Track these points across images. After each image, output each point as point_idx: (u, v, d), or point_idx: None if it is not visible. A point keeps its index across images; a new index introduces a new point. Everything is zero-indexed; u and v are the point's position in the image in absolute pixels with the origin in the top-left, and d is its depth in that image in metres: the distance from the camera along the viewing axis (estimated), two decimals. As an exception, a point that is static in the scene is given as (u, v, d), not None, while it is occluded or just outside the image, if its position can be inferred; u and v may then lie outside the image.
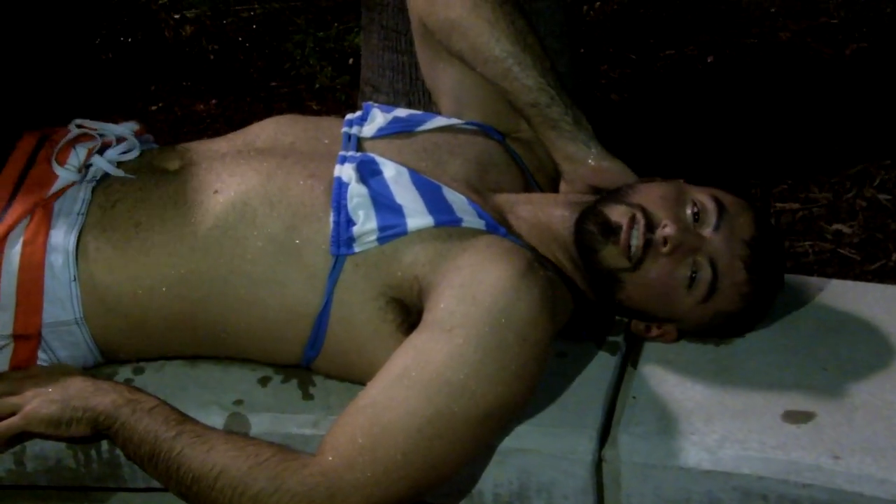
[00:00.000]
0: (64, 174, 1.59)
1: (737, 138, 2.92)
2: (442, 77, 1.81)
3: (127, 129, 1.70)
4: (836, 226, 2.54)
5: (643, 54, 3.42)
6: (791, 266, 2.31)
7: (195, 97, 3.31)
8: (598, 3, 3.63)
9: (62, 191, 1.59)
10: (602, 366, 1.59)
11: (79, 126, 1.68)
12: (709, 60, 3.31)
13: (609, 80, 3.32)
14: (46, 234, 1.54)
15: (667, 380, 1.56)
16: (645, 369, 1.58)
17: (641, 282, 1.53)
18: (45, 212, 1.56)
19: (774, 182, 2.70)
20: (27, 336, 1.54)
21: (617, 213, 1.53)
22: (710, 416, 1.48)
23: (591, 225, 1.54)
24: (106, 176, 1.62)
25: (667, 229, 1.50)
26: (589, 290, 1.60)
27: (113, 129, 1.69)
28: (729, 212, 1.54)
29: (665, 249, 1.50)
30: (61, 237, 1.54)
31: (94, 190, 1.60)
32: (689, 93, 3.22)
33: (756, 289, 1.55)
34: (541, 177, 1.76)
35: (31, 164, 1.62)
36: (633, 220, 1.52)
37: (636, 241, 1.51)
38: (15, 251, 1.53)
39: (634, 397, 1.53)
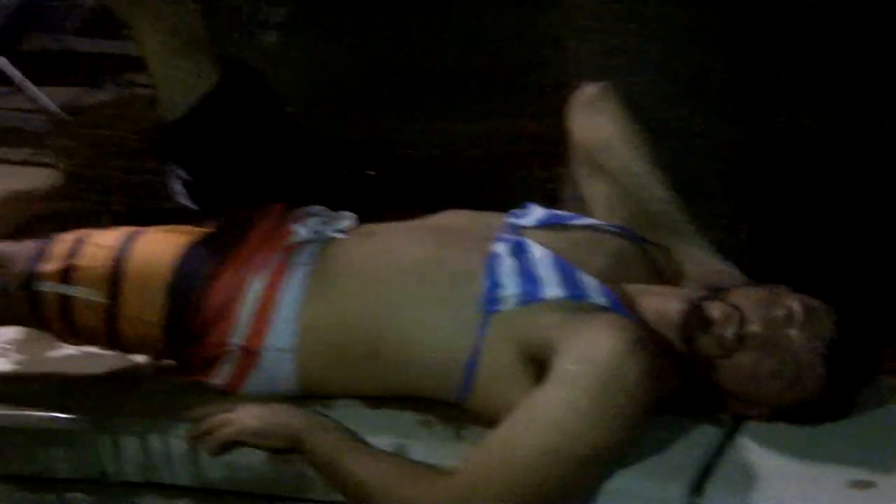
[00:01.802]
0: (301, 232, 2.08)
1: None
2: (595, 188, 2.21)
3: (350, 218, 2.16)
4: None
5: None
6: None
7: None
8: (801, 163, 3.85)
9: (300, 246, 2.06)
10: (705, 434, 1.90)
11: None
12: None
13: (804, 234, 3.52)
14: (284, 277, 2.01)
15: (759, 450, 1.85)
16: (742, 440, 1.89)
17: (734, 368, 1.86)
18: (286, 260, 2.03)
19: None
20: (249, 351, 1.99)
21: (714, 309, 1.87)
22: (789, 480, 1.79)
23: (691, 317, 1.88)
24: (331, 240, 2.08)
25: (754, 326, 1.84)
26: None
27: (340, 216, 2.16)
28: (814, 316, 1.86)
29: (752, 343, 1.83)
30: (295, 282, 2.00)
31: (321, 250, 2.06)
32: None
33: (834, 382, 1.85)
34: (672, 279, 2.09)
35: (278, 224, 2.12)
36: (727, 316, 1.85)
37: (730, 333, 1.84)
38: (260, 284, 2.00)
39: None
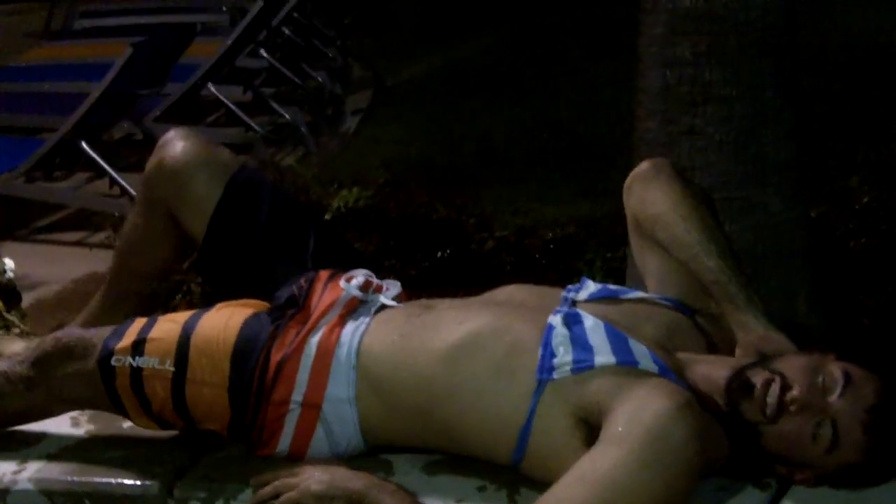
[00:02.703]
0: (349, 289, 2.17)
1: None
2: (648, 261, 2.26)
3: (395, 285, 2.26)
4: None
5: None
6: None
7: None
8: (864, 238, 3.89)
9: (352, 305, 2.15)
10: (753, 499, 1.92)
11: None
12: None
13: (863, 307, 3.55)
14: (339, 334, 2.10)
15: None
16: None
17: (777, 433, 1.91)
18: (340, 318, 2.13)
19: None
20: (312, 405, 2.06)
21: (757, 376, 1.92)
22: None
23: (735, 384, 1.94)
24: (382, 308, 2.17)
25: (794, 392, 1.89)
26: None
27: (384, 280, 2.26)
28: (854, 383, 1.90)
29: (792, 409, 1.88)
30: (349, 335, 2.09)
31: (374, 313, 2.15)
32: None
33: (875, 447, 1.88)
34: (724, 347, 2.13)
35: (326, 286, 2.22)
36: (768, 382, 1.90)
37: (772, 399, 1.89)
38: (316, 339, 2.09)
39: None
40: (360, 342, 2.09)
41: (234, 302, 2.25)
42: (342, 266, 2.31)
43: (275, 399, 2.08)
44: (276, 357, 2.09)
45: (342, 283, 2.20)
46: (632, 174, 2.27)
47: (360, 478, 1.97)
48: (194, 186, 2.40)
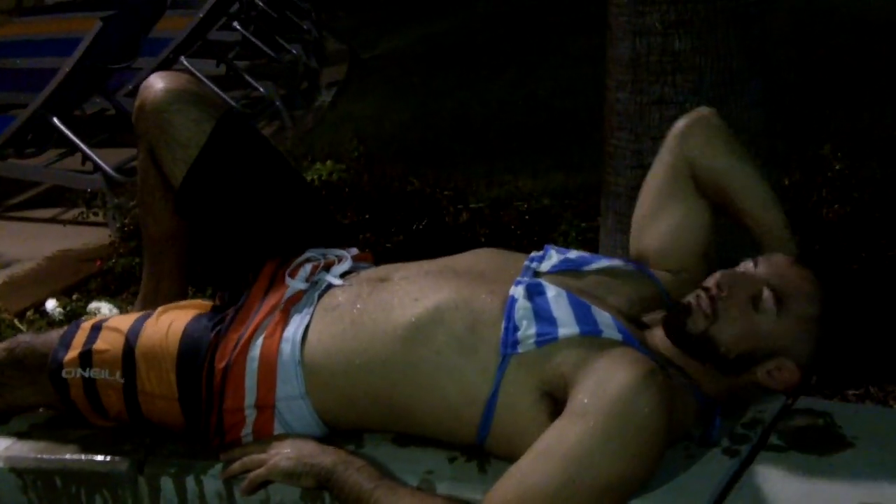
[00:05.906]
0: (293, 284, 2.14)
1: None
2: (659, 212, 2.20)
3: (347, 252, 2.23)
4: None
5: (873, 252, 3.66)
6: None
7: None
8: (836, 205, 3.91)
9: (297, 297, 2.11)
10: (722, 465, 1.92)
11: (309, 252, 2.24)
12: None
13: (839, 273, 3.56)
14: (282, 330, 2.06)
15: (772, 478, 1.88)
16: (757, 469, 1.91)
17: (725, 327, 1.93)
18: (282, 314, 2.09)
19: None
20: (264, 407, 2.04)
21: (689, 297, 1.98)
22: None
23: (671, 315, 1.98)
24: (330, 287, 2.13)
25: (716, 276, 1.96)
26: (717, 390, 1.98)
27: (334, 252, 2.23)
28: (764, 258, 2.02)
29: (724, 294, 1.93)
30: (292, 331, 2.05)
31: (320, 297, 2.11)
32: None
33: (819, 291, 1.95)
34: None
35: (272, 281, 2.19)
36: (698, 295, 1.96)
37: (703, 301, 1.94)
38: (258, 342, 2.06)
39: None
40: (303, 337, 2.05)
41: (175, 304, 2.25)
42: (319, 235, 2.29)
43: (227, 407, 2.06)
44: (219, 365, 2.06)
45: (287, 278, 2.16)
46: (689, 119, 2.18)
47: (328, 454, 1.96)
48: (177, 125, 2.25)
